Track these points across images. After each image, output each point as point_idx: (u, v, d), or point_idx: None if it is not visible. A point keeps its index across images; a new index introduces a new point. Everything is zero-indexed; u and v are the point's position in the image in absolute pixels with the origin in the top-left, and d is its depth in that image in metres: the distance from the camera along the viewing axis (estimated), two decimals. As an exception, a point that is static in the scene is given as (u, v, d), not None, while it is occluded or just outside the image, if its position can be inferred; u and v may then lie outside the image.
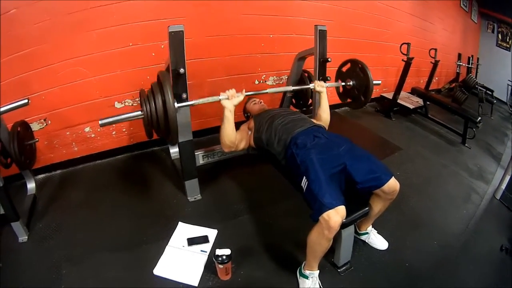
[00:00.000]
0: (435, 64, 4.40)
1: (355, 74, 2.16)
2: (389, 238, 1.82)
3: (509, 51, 5.54)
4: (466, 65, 5.65)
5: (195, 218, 1.89)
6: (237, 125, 1.79)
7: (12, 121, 1.83)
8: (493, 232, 2.13)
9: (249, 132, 1.87)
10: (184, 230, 1.74)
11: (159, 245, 1.64)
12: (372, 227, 1.81)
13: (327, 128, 1.97)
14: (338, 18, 3.35)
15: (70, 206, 2.01)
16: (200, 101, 1.61)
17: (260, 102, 2.14)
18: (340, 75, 2.29)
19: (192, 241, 1.64)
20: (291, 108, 2.72)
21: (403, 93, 4.16)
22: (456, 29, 5.69)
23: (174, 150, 2.51)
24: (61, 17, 2.02)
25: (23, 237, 1.73)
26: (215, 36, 2.61)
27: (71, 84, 2.20)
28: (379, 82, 2.14)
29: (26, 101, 1.61)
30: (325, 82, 2.24)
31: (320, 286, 1.47)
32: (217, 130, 2.88)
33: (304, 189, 1.39)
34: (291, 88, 1.96)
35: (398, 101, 4.08)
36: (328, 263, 1.64)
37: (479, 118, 3.45)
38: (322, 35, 2.21)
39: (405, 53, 3.65)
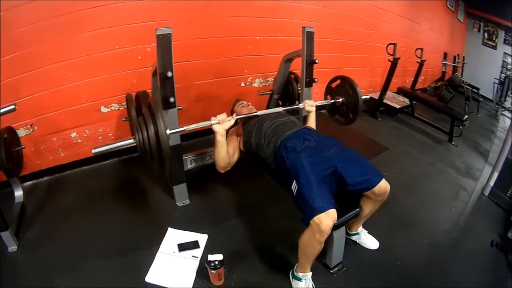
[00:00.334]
0: (421, 64, 4.47)
1: (344, 91, 2.18)
2: (379, 237, 1.84)
3: (495, 49, 5.67)
4: (452, 64, 5.76)
5: (184, 223, 1.87)
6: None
7: (-2, 127, 1.77)
8: (483, 228, 2.18)
9: (238, 138, 1.86)
10: (174, 236, 1.72)
11: (150, 251, 1.62)
12: (363, 227, 1.83)
13: None
14: (326, 20, 3.38)
15: (59, 214, 1.96)
16: (192, 126, 1.61)
17: (248, 105, 2.13)
18: (329, 91, 2.31)
19: (182, 247, 1.62)
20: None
21: (389, 93, 4.21)
22: (443, 28, 5.80)
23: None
24: (49, 20, 1.98)
25: (12, 247, 1.68)
26: (202, 38, 2.60)
27: (58, 88, 2.15)
28: (368, 97, 2.17)
29: (13, 106, 1.56)
30: (312, 84, 2.27)
31: (313, 287, 1.48)
32: (204, 133, 2.94)
33: (295, 193, 1.40)
34: (281, 109, 1.95)
35: (384, 101, 4.12)
36: (320, 264, 1.64)
37: (466, 116, 3.52)
38: (309, 37, 2.21)
39: (391, 53, 3.70)
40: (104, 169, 2.48)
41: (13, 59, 1.95)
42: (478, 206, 2.42)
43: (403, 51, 3.82)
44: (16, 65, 1.98)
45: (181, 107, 1.86)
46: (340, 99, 2.19)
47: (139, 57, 2.35)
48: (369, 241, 1.81)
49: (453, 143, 3.55)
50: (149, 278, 1.47)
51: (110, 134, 2.49)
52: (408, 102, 4.21)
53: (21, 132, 2.10)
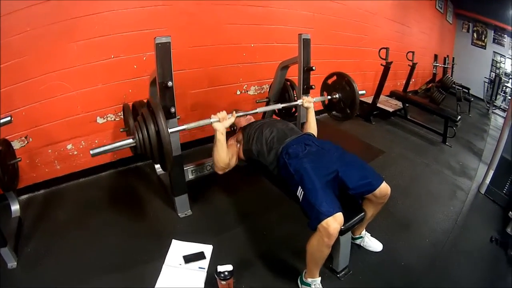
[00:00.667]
0: (413, 67, 4.56)
1: (341, 87, 2.20)
2: (382, 240, 1.85)
3: (485, 49, 5.85)
4: (442, 65, 5.90)
5: (188, 234, 1.83)
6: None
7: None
8: (481, 226, 2.23)
9: (238, 145, 1.86)
10: (179, 248, 1.68)
11: (155, 264, 1.57)
12: (365, 230, 1.84)
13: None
14: (318, 26, 3.43)
15: (58, 228, 1.91)
16: (192, 125, 1.60)
17: (246, 116, 2.14)
18: (325, 88, 2.33)
19: (188, 259, 1.59)
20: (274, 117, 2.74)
21: (381, 97, 4.28)
22: (432, 30, 5.96)
23: (159, 166, 2.44)
24: (42, 28, 1.94)
25: (12, 263, 1.62)
26: (197, 46, 2.60)
27: (53, 99, 2.11)
28: (364, 92, 2.18)
29: (8, 118, 1.54)
30: (309, 91, 2.28)
31: None
32: (202, 142, 2.92)
33: (301, 199, 1.40)
34: (280, 106, 1.97)
35: (378, 104, 4.19)
36: (326, 269, 1.64)
37: (459, 117, 3.59)
38: (306, 44, 2.24)
39: (384, 57, 3.77)
40: (101, 181, 2.43)
41: (5, 68, 1.90)
42: (475, 204, 2.47)
43: (393, 54, 3.89)
44: (9, 75, 1.93)
45: (179, 117, 1.85)
46: (337, 95, 2.21)
47: (135, 66, 2.33)
48: (373, 244, 1.82)
49: (447, 143, 3.62)
50: (156, 292, 1.43)
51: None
52: (401, 105, 4.28)
53: (16, 144, 2.05)
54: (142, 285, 1.49)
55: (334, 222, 1.26)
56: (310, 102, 2.00)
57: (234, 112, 1.67)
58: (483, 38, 5.83)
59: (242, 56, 2.94)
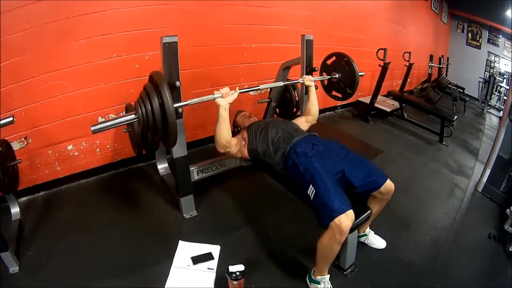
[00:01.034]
0: (409, 67, 4.62)
1: (340, 67, 2.22)
2: (385, 237, 1.89)
3: (479, 49, 5.96)
4: (438, 65, 6.00)
5: (194, 235, 1.83)
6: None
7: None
8: (480, 223, 2.29)
9: (243, 142, 1.86)
10: (186, 249, 1.66)
11: (162, 266, 1.55)
12: (369, 228, 1.87)
13: (315, 121, 2.08)
14: (318, 27, 3.46)
15: (60, 230, 1.87)
16: (195, 100, 1.56)
17: (250, 117, 2.16)
18: (325, 68, 2.35)
19: (197, 260, 1.57)
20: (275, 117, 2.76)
21: (379, 97, 4.33)
22: (428, 31, 6.05)
23: (162, 166, 2.42)
24: (43, 26, 1.90)
25: (14, 268, 1.58)
26: (199, 46, 2.59)
27: (53, 98, 2.08)
28: (363, 73, 2.20)
29: (11, 118, 1.49)
30: (313, 72, 2.30)
31: None
32: (204, 142, 2.91)
33: (312, 197, 1.41)
34: (282, 83, 2.03)
35: (375, 104, 4.24)
36: (333, 267, 1.64)
37: (456, 116, 3.66)
38: (308, 45, 2.26)
39: (382, 58, 3.82)
40: (103, 182, 2.40)
41: (4, 67, 1.86)
42: (473, 202, 2.54)
43: (389, 54, 3.94)
44: (8, 74, 1.89)
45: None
46: (337, 75, 2.23)
47: (137, 66, 2.30)
48: (377, 241, 1.86)
49: (443, 143, 3.69)
50: (166, 294, 1.42)
51: (108, 146, 2.42)
52: (398, 105, 4.33)
53: (15, 145, 2.00)
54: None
55: (347, 219, 1.28)
56: (311, 81, 2.04)
57: (237, 88, 1.66)
58: (477, 38, 5.94)
59: (243, 56, 2.94)
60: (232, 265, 1.45)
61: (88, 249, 1.74)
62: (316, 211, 1.39)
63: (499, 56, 5.77)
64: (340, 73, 2.24)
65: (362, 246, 1.84)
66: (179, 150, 1.82)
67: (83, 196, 2.23)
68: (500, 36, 5.65)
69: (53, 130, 2.15)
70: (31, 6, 1.84)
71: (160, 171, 2.41)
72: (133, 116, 1.33)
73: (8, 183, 1.69)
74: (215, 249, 1.66)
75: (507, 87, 5.20)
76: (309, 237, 1.76)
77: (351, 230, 1.38)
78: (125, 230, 1.90)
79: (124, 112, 2.30)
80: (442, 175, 2.94)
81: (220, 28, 2.69)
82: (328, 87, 2.40)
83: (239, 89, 1.66)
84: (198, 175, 2.11)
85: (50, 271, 1.59)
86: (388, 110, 4.28)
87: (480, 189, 2.67)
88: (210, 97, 1.58)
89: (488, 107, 5.85)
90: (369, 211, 1.56)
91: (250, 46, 2.97)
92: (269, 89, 2.93)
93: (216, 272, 1.52)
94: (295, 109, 2.71)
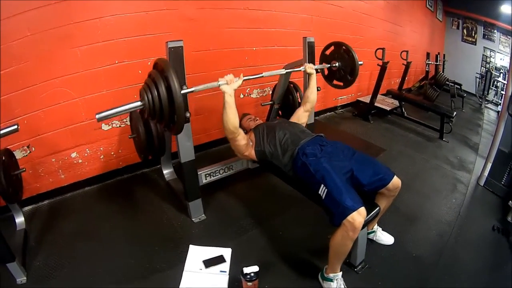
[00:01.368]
0: (407, 66, 4.66)
1: (339, 55, 2.25)
2: (392, 233, 1.90)
3: (475, 44, 6.03)
4: (434, 63, 6.06)
5: (204, 239, 1.83)
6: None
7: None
8: (483, 216, 2.32)
9: (251, 143, 1.87)
10: (197, 253, 1.65)
11: (174, 271, 1.56)
12: (377, 225, 1.89)
13: (313, 109, 2.15)
14: (316, 28, 3.49)
15: (66, 239, 1.85)
16: (200, 87, 1.56)
17: (256, 119, 2.17)
18: (324, 59, 2.37)
19: (209, 263, 1.56)
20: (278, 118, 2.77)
21: (378, 96, 4.35)
22: (423, 29, 6.12)
23: (167, 171, 2.42)
24: (43, 33, 1.90)
25: (21, 278, 1.56)
26: (201, 51, 2.60)
27: (55, 106, 2.07)
28: (361, 62, 2.23)
29: (15, 126, 1.47)
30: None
31: (344, 286, 1.50)
32: (207, 146, 2.91)
33: (323, 196, 1.42)
34: (284, 71, 2.05)
35: (375, 104, 4.26)
36: (343, 264, 1.63)
37: (455, 113, 3.70)
38: (310, 46, 2.28)
39: (380, 57, 3.85)
40: (108, 189, 2.38)
41: (5, 75, 1.85)
42: (475, 196, 2.57)
43: (387, 53, 3.97)
44: (9, 82, 1.88)
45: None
46: (337, 64, 2.26)
47: (140, 71, 2.30)
48: (385, 238, 1.88)
49: (444, 139, 3.72)
50: (180, 298, 1.41)
51: (112, 153, 2.41)
52: (397, 104, 4.37)
53: (18, 154, 1.99)
54: (164, 294, 1.47)
55: (359, 216, 1.30)
56: (312, 69, 2.07)
57: (242, 75, 1.67)
58: (473, 34, 6.01)
59: (245, 59, 2.96)
60: (244, 267, 1.45)
61: (96, 257, 1.72)
62: (328, 210, 1.41)
63: (494, 51, 5.84)
64: (340, 62, 2.27)
65: (371, 243, 1.85)
66: (186, 155, 1.82)
67: (89, 203, 2.21)
68: (495, 31, 5.72)
69: (56, 137, 2.14)
70: (32, 12, 1.84)
71: (166, 176, 2.40)
72: (139, 103, 1.32)
73: (12, 192, 1.68)
74: (226, 252, 1.65)
75: (504, 82, 5.26)
76: (319, 237, 1.79)
77: (362, 227, 1.39)
78: (133, 237, 1.88)
79: (128, 118, 2.30)
80: (444, 171, 2.97)
81: (221, 33, 2.71)
82: (329, 77, 2.42)
83: (244, 76, 1.67)
84: (206, 179, 2.11)
85: (59, 281, 1.57)
86: (388, 108, 4.31)
87: (482, 183, 2.70)
88: (214, 83, 1.58)
89: (486, 102, 5.91)
90: (378, 208, 1.57)
91: (251, 50, 2.99)
92: (271, 92, 2.95)
93: (229, 275, 1.52)
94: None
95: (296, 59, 2.40)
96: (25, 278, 1.57)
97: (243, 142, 1.79)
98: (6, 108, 1.89)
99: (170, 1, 2.34)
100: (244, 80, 1.67)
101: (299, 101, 2.66)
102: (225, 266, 1.57)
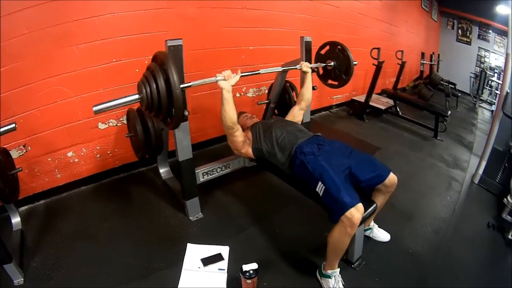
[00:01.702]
0: (402, 65, 4.69)
1: (334, 55, 2.28)
2: (388, 231, 1.93)
3: (470, 44, 6.10)
4: (429, 62, 6.11)
5: (202, 237, 1.84)
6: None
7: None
8: (478, 213, 2.36)
9: (248, 141, 1.87)
10: (195, 251, 1.66)
11: (172, 270, 1.56)
12: (373, 222, 1.91)
13: (308, 107, 2.18)
14: (312, 28, 3.50)
15: (63, 239, 1.83)
16: (198, 82, 1.55)
17: (253, 117, 2.17)
18: (319, 58, 2.39)
19: (207, 261, 1.57)
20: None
21: (373, 95, 4.38)
22: (418, 29, 6.17)
23: (164, 170, 2.42)
24: (41, 31, 1.88)
25: (18, 279, 1.54)
26: (199, 50, 2.60)
27: (52, 104, 2.05)
28: (356, 62, 2.26)
29: (13, 125, 1.47)
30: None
31: (342, 283, 1.51)
32: (203, 145, 2.91)
33: (321, 194, 1.44)
34: (281, 68, 2.08)
35: (370, 103, 4.30)
36: (341, 261, 1.65)
37: (449, 112, 3.74)
38: (307, 46, 2.30)
39: (376, 57, 3.88)
40: (104, 188, 2.37)
41: (2, 73, 1.83)
42: (470, 194, 2.61)
43: (382, 53, 4.01)
44: (6, 80, 1.85)
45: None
46: (332, 63, 2.29)
47: (137, 70, 2.28)
48: (381, 235, 1.91)
49: (438, 138, 3.77)
50: (179, 297, 1.41)
51: (109, 152, 2.40)
52: (392, 103, 4.40)
53: (14, 154, 1.96)
54: (163, 292, 1.47)
55: (357, 212, 1.32)
56: (308, 67, 2.11)
57: (239, 71, 1.68)
58: (468, 35, 6.07)
59: (242, 58, 2.96)
60: (243, 264, 1.45)
61: (94, 257, 1.71)
62: (327, 207, 1.43)
63: (489, 51, 5.91)
64: (335, 61, 2.29)
65: (368, 240, 1.86)
66: (184, 153, 1.82)
67: (85, 203, 2.20)
68: (490, 31, 5.78)
69: (53, 137, 2.12)
70: (29, 10, 1.82)
71: (162, 175, 2.40)
72: (136, 96, 1.31)
73: (8, 192, 1.67)
74: (224, 250, 1.66)
75: (499, 82, 5.33)
76: (316, 234, 1.81)
77: (360, 222, 1.41)
78: (130, 236, 1.87)
79: (125, 117, 2.29)
80: (439, 169, 3.01)
81: (219, 32, 2.71)
82: (324, 76, 2.45)
83: (241, 72, 1.68)
84: (203, 177, 2.11)
85: (57, 282, 1.55)
86: (383, 108, 4.34)
87: (476, 181, 2.74)
88: (212, 79, 1.59)
89: (480, 102, 5.98)
90: (375, 205, 1.59)
91: (248, 49, 2.99)
92: (267, 91, 2.96)
93: (227, 273, 1.52)
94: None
95: (293, 59, 2.41)
96: (22, 279, 1.55)
97: (240, 138, 1.79)
98: (2, 106, 1.86)
99: (168, 0, 2.33)
100: (241, 76, 1.68)
101: (295, 100, 2.68)
102: (223, 264, 1.57)
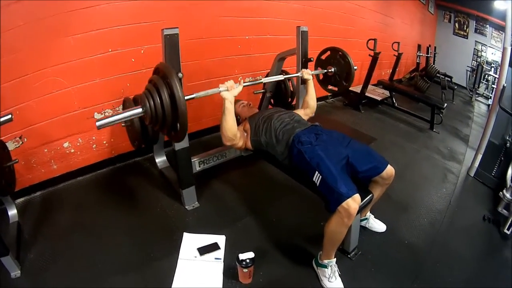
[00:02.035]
0: (398, 57, 4.69)
1: (335, 61, 2.27)
2: (384, 221, 1.94)
3: (467, 38, 6.10)
4: (425, 55, 6.11)
5: (198, 226, 1.84)
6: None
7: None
8: (473, 206, 2.38)
9: (245, 134, 1.87)
10: (191, 240, 1.67)
11: (169, 259, 1.57)
12: (370, 212, 1.93)
13: (313, 114, 2.13)
14: (308, 18, 3.48)
15: (60, 230, 1.83)
16: (201, 93, 1.55)
17: (249, 104, 2.16)
18: (320, 63, 2.38)
19: (203, 250, 1.59)
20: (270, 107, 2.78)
21: (369, 86, 4.39)
22: (414, 21, 6.14)
23: (160, 159, 2.41)
24: (36, 22, 1.85)
25: (15, 272, 1.53)
26: (194, 39, 2.57)
27: (48, 95, 2.02)
28: (356, 67, 2.27)
29: (9, 116, 1.45)
30: (308, 63, 2.35)
31: (338, 272, 1.53)
32: (199, 134, 2.91)
33: (318, 183, 1.44)
34: (282, 77, 2.05)
35: (366, 94, 4.30)
36: (337, 251, 1.66)
37: (446, 104, 3.75)
38: (304, 36, 2.28)
39: (372, 48, 3.87)
40: (100, 179, 2.36)
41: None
42: (465, 186, 2.63)
43: (378, 44, 3.99)
44: (2, 72, 1.81)
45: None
46: (333, 69, 2.29)
47: (133, 60, 2.27)
48: (377, 225, 1.93)
49: (434, 130, 3.78)
50: (176, 286, 1.42)
51: (105, 142, 2.39)
52: (389, 94, 4.40)
53: (10, 145, 1.94)
54: (160, 282, 1.48)
55: (354, 202, 1.32)
56: (309, 74, 2.09)
57: (242, 81, 1.67)
58: (465, 28, 6.08)
59: (237, 48, 2.95)
60: (239, 253, 1.46)
61: (91, 248, 1.71)
62: (323, 197, 1.43)
63: (486, 45, 5.91)
64: (335, 67, 2.28)
65: (364, 230, 1.89)
66: (181, 142, 1.81)
67: (81, 194, 2.19)
68: (488, 25, 5.78)
69: (49, 127, 2.10)
70: (24, 2, 1.78)
71: (159, 164, 2.40)
72: (140, 110, 1.30)
73: (5, 184, 1.64)
74: (220, 239, 1.68)
75: (496, 76, 5.35)
76: (313, 223, 1.83)
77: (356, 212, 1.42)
78: (126, 226, 1.87)
79: (121, 107, 2.27)
80: (435, 161, 3.03)
81: (214, 21, 2.68)
82: (324, 81, 2.44)
83: (243, 82, 1.68)
84: (199, 166, 2.11)
85: (54, 273, 1.55)
86: (379, 99, 4.34)
87: (472, 174, 2.76)
88: (215, 90, 1.58)
89: (477, 95, 6.00)
90: (371, 195, 1.61)
91: (244, 38, 2.97)
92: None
93: (224, 262, 1.54)
94: (289, 99, 2.74)
95: (288, 48, 2.41)
96: (19, 271, 1.54)
97: (240, 143, 1.80)
98: (-2, 98, 1.84)
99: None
100: (244, 86, 1.68)
101: (291, 89, 2.68)
102: (220, 253, 1.59)
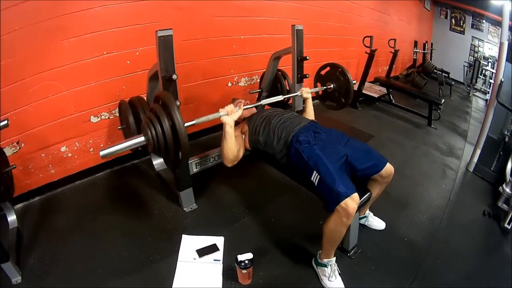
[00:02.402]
0: (395, 54, 4.69)
1: (335, 77, 2.27)
2: (384, 219, 1.94)
3: (463, 34, 6.11)
4: (422, 51, 6.10)
5: (197, 228, 1.84)
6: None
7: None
8: (473, 201, 2.37)
9: (243, 136, 1.86)
10: (190, 242, 1.66)
11: (168, 261, 1.57)
12: (369, 210, 1.93)
13: None
14: (304, 16, 3.47)
15: (60, 235, 1.82)
16: (201, 119, 1.54)
17: (247, 103, 2.14)
18: (319, 79, 2.38)
19: (202, 252, 1.57)
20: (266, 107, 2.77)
21: (366, 83, 4.38)
22: (411, 18, 6.14)
23: (157, 162, 2.40)
24: (32, 26, 1.84)
25: (16, 278, 1.52)
26: (190, 40, 2.57)
27: (44, 100, 2.02)
28: (355, 81, 2.29)
29: (5, 122, 1.45)
30: (303, 80, 2.36)
31: (338, 271, 1.53)
32: (196, 135, 2.91)
33: (316, 183, 1.43)
34: (281, 97, 2.01)
35: (363, 91, 4.30)
36: (336, 250, 1.66)
37: (443, 100, 3.75)
38: (299, 34, 2.28)
39: (368, 45, 3.87)
40: (98, 182, 2.35)
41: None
42: (465, 182, 2.63)
43: (374, 41, 3.98)
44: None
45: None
46: (332, 85, 2.28)
47: (128, 62, 2.27)
48: (377, 223, 1.93)
49: (432, 126, 3.78)
50: (176, 288, 1.42)
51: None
52: (385, 91, 4.40)
53: (8, 151, 1.93)
54: (159, 284, 1.48)
55: (352, 202, 1.32)
56: (308, 93, 2.08)
57: (242, 105, 1.68)
58: (461, 24, 6.08)
59: (233, 48, 2.94)
60: (238, 254, 1.46)
61: (91, 252, 1.70)
62: (322, 196, 1.42)
63: (483, 40, 5.92)
64: (334, 83, 2.28)
65: (363, 228, 1.89)
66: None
67: (80, 198, 2.18)
68: (484, 21, 5.78)
69: (45, 132, 2.09)
70: (19, 6, 1.77)
71: (156, 166, 2.39)
72: (142, 138, 1.30)
73: (3, 190, 1.64)
74: (219, 240, 1.66)
75: (493, 71, 5.34)
76: (311, 223, 1.82)
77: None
78: (125, 229, 1.87)
79: (117, 110, 2.27)
80: (433, 157, 3.03)
81: (209, 21, 2.67)
82: (323, 97, 2.44)
83: (243, 106, 1.69)
84: (196, 168, 2.11)
85: (54, 278, 1.55)
86: (376, 96, 4.34)
87: (471, 169, 2.76)
88: (215, 115, 1.57)
89: (474, 91, 6.00)
90: (369, 193, 1.60)
91: (239, 38, 2.97)
92: (259, 80, 2.95)
93: (223, 263, 1.53)
94: (285, 99, 2.74)
95: (284, 47, 2.40)
96: (20, 277, 1.54)
97: (241, 154, 1.79)
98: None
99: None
100: (244, 109, 1.70)
101: (287, 88, 2.67)
102: (219, 254, 1.58)
